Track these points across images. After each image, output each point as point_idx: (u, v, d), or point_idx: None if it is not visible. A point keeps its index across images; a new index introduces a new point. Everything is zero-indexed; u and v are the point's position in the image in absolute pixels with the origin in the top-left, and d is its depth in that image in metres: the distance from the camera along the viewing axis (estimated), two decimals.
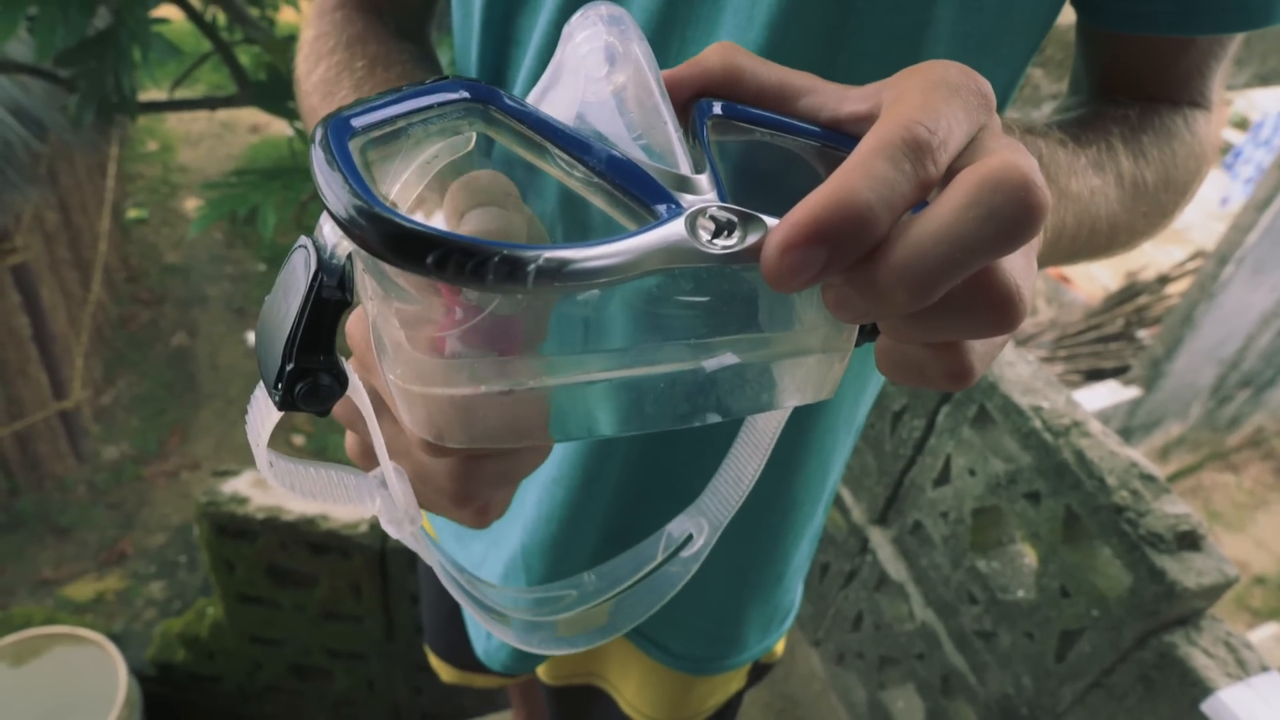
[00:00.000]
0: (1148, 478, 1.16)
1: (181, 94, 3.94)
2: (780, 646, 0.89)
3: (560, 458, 0.64)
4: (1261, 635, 3.51)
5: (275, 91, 2.53)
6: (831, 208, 0.21)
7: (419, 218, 0.22)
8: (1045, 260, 0.43)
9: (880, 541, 1.65)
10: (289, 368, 0.24)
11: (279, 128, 5.45)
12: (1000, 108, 0.52)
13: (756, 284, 0.25)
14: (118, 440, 4.05)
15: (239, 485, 1.68)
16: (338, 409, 0.30)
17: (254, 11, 2.73)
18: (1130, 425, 4.12)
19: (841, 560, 1.76)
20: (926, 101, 0.23)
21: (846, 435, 0.71)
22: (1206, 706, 1.06)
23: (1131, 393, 4.00)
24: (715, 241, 0.23)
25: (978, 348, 0.25)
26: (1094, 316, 4.70)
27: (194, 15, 2.45)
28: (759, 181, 0.28)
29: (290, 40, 2.48)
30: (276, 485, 0.28)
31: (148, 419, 4.16)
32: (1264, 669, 1.08)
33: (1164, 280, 4.70)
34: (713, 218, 0.23)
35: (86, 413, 4.02)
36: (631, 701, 0.86)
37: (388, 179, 0.24)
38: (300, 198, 2.38)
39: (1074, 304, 4.92)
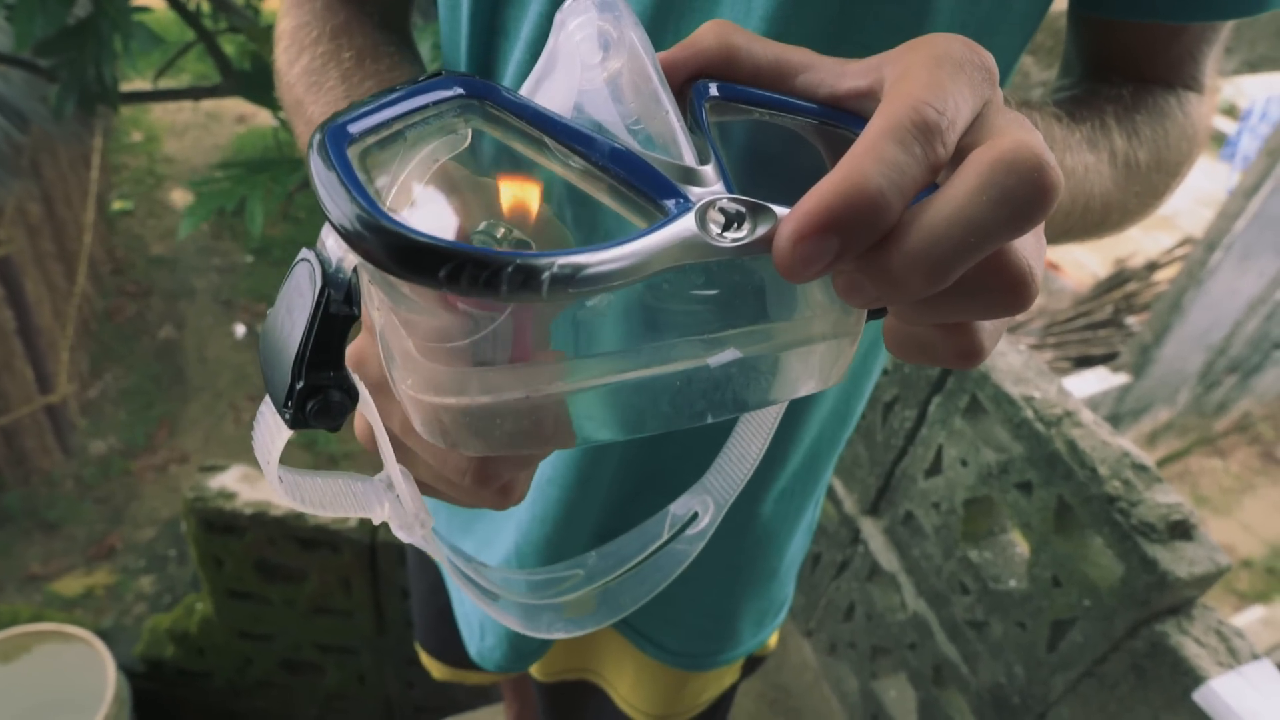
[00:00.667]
0: (1139, 467, 1.16)
1: (165, 84, 3.90)
2: (774, 639, 0.89)
3: (555, 458, 0.63)
4: (1248, 619, 3.55)
5: (260, 81, 2.50)
6: (843, 195, 0.20)
7: (420, 220, 0.22)
8: None
9: (872, 532, 1.65)
10: (299, 386, 0.23)
11: (265, 118, 5.40)
12: None
13: (765, 273, 0.25)
14: (105, 434, 4.02)
15: (226, 480, 1.67)
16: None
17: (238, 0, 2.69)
18: (1119, 411, 4.14)
19: (833, 551, 1.77)
20: (933, 79, 0.23)
21: (840, 429, 0.70)
22: (1198, 696, 1.07)
23: (1120, 379, 4.02)
24: (725, 234, 0.22)
25: (987, 326, 0.25)
26: (1083, 303, 4.72)
27: (176, 4, 2.42)
28: (762, 164, 0.28)
29: None
30: (287, 500, 0.28)
31: (135, 412, 4.13)
32: (1255, 657, 1.09)
33: (1153, 267, 4.72)
34: (722, 210, 0.23)
35: (73, 407, 3.99)
36: (626, 697, 0.86)
37: (387, 182, 0.24)
38: (288, 189, 2.36)
39: (1063, 291, 4.94)
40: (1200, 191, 5.55)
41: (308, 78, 0.53)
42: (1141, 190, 0.51)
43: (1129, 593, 1.13)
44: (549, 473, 0.63)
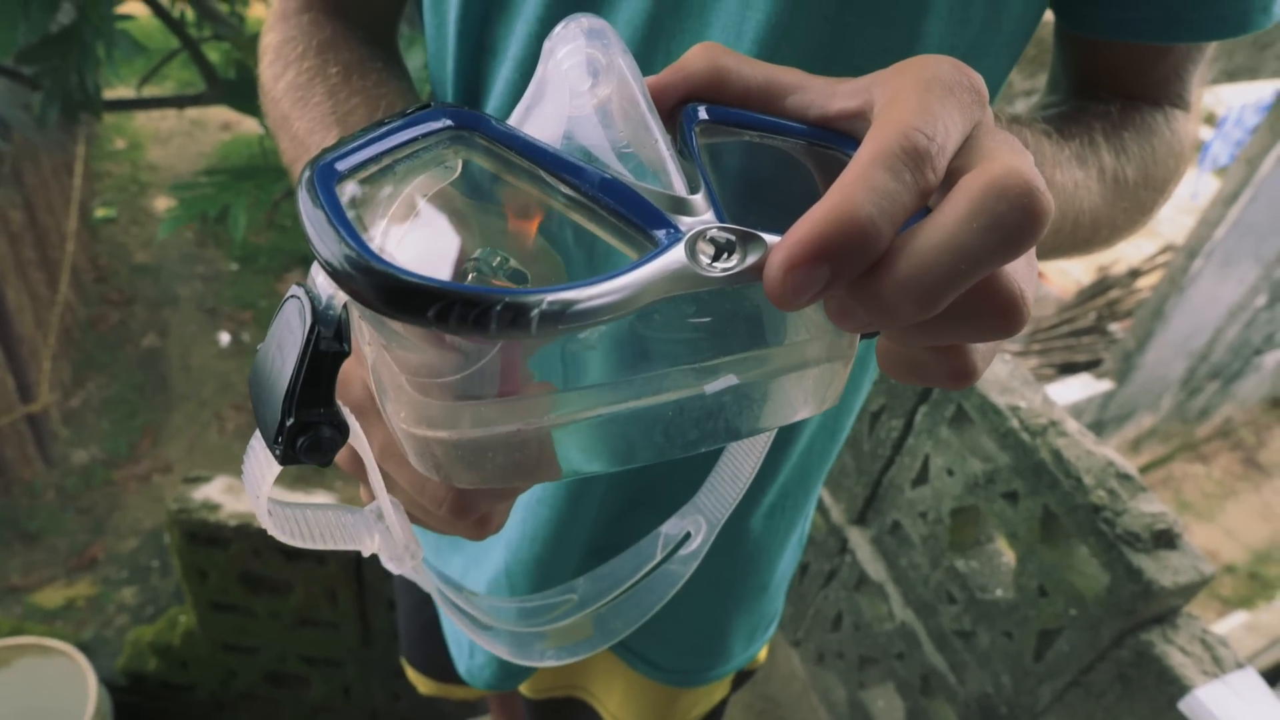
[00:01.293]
0: (1124, 477, 1.17)
1: (150, 91, 3.88)
2: (764, 652, 0.88)
3: None
4: (1232, 625, 3.57)
5: (245, 89, 2.49)
6: (833, 223, 0.20)
7: (411, 254, 0.22)
8: None
9: (859, 542, 1.65)
10: (289, 423, 0.23)
11: (250, 125, 5.37)
12: None
13: (758, 300, 0.25)
14: (87, 444, 3.98)
15: (210, 491, 1.65)
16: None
17: (223, 7, 2.68)
18: (1102, 418, 4.17)
19: (821, 560, 1.77)
20: (922, 104, 0.23)
21: (830, 444, 0.70)
22: (1184, 705, 1.07)
23: (1104, 386, 4.05)
24: (715, 264, 0.22)
25: (980, 347, 0.25)
26: (1066, 310, 4.76)
27: (160, 11, 2.40)
28: (753, 186, 0.28)
29: None
30: (277, 534, 0.28)
31: (118, 422, 4.09)
32: (1239, 666, 1.09)
33: (1135, 274, 4.76)
34: (712, 240, 0.23)
35: (55, 416, 3.95)
36: (615, 714, 0.85)
37: (375, 217, 0.24)
38: (272, 197, 2.35)
39: (1047, 298, 4.98)
40: (1181, 199, 5.61)
41: (293, 93, 0.52)
42: (1130, 206, 0.51)
43: (1114, 602, 1.14)
44: (539, 492, 0.63)
